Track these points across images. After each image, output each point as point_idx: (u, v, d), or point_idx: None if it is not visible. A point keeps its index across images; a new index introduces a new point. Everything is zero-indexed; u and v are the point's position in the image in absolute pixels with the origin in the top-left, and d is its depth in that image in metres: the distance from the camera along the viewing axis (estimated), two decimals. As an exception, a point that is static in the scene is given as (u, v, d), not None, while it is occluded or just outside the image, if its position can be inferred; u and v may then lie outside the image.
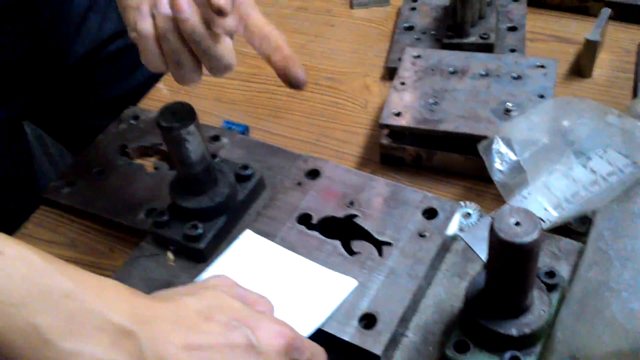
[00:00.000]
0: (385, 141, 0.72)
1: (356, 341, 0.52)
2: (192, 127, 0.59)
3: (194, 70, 0.53)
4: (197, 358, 0.41)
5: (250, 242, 0.60)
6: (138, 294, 0.44)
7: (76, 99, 0.92)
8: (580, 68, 0.79)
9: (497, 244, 0.45)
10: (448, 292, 0.58)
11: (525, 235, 0.44)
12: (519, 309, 0.50)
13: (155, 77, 0.93)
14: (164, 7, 0.48)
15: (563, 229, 0.62)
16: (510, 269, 0.47)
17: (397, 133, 0.72)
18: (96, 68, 0.90)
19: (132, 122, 0.83)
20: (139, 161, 0.80)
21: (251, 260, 0.58)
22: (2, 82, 0.82)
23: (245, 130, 0.80)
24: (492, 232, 0.45)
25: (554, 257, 0.59)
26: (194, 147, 0.60)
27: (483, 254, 0.60)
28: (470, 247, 0.61)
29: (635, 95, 0.76)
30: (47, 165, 1.16)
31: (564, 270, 0.58)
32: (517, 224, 0.45)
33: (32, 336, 0.38)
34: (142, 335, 0.40)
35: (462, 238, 0.62)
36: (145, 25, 0.50)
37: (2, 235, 0.41)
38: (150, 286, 0.62)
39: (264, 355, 0.43)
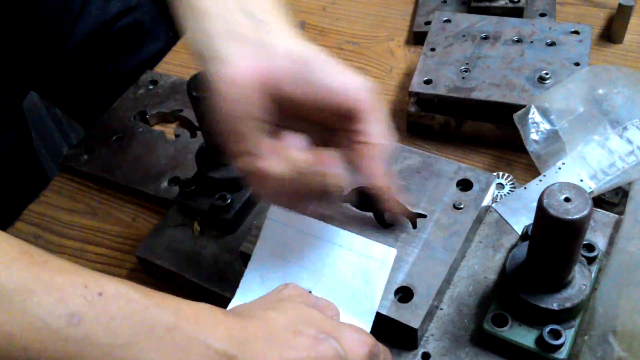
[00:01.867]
0: (412, 109, 0.71)
1: (393, 315, 0.52)
2: (222, 96, 0.57)
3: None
4: None
5: (278, 218, 0.58)
6: (229, 315, 0.44)
7: (83, 76, 0.91)
8: (612, 33, 0.77)
9: (546, 220, 0.44)
10: (482, 264, 0.58)
11: (577, 212, 0.43)
12: (561, 283, 0.50)
13: (163, 50, 0.91)
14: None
15: (596, 200, 0.61)
16: (558, 244, 0.46)
17: (424, 100, 0.70)
18: (101, 47, 0.89)
19: (150, 87, 0.81)
20: (158, 128, 0.78)
21: (286, 237, 0.57)
22: (7, 66, 0.80)
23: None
24: (541, 208, 0.44)
25: (590, 229, 0.58)
26: (224, 116, 0.58)
27: (517, 226, 0.59)
28: (504, 218, 0.60)
29: (668, 62, 0.74)
30: (61, 141, 1.14)
31: (600, 242, 0.57)
32: (567, 199, 0.44)
33: None
34: (242, 357, 0.41)
35: (495, 210, 0.61)
36: (275, 166, 0.45)
37: (98, 275, 0.40)
38: (178, 256, 0.61)
39: None
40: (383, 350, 0.48)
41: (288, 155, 0.45)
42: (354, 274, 0.54)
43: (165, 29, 0.96)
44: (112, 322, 0.37)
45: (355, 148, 0.48)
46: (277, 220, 0.58)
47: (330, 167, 0.46)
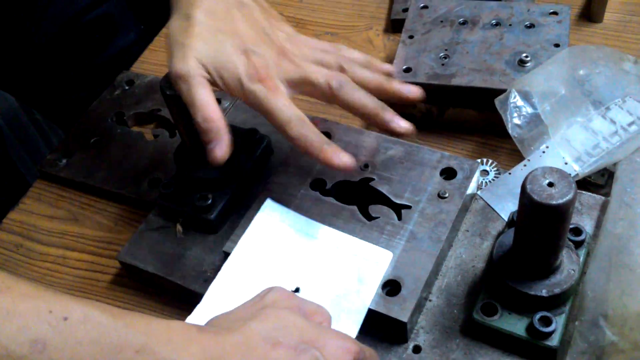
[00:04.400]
0: (393, 98, 0.70)
1: (381, 309, 0.51)
2: (197, 94, 0.56)
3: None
4: None
5: (272, 213, 0.57)
6: (204, 331, 0.43)
7: (54, 72, 0.89)
8: (592, 13, 0.76)
9: (530, 206, 0.43)
10: (469, 253, 0.57)
11: (561, 197, 0.42)
12: (549, 269, 0.49)
13: (134, 43, 0.90)
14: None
15: (581, 182, 0.60)
16: (543, 230, 0.45)
17: (405, 89, 0.69)
18: (71, 40, 0.88)
19: (127, 87, 0.80)
20: (136, 129, 0.77)
21: (277, 234, 0.56)
22: None
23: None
24: (525, 194, 0.43)
25: (576, 213, 0.58)
26: (200, 114, 0.57)
27: (503, 213, 0.59)
28: (489, 205, 0.59)
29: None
30: (44, 147, 1.13)
31: (587, 225, 0.57)
32: (551, 184, 0.43)
33: None
34: None
35: (481, 197, 0.60)
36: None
37: (67, 299, 0.39)
38: (161, 259, 0.60)
39: None
40: (369, 356, 0.47)
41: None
42: (346, 273, 0.53)
43: (135, 22, 0.95)
44: (78, 347, 0.37)
45: None
46: (268, 216, 0.57)
47: None
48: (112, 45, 0.91)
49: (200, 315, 0.51)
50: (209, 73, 0.52)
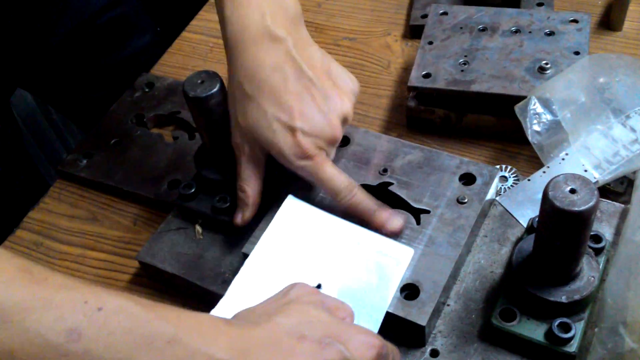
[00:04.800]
0: (412, 104, 0.70)
1: (400, 312, 0.51)
2: (219, 97, 0.57)
3: None
4: None
5: (294, 209, 0.58)
6: (232, 324, 0.43)
7: (71, 70, 0.91)
8: (611, 21, 0.76)
9: (552, 212, 0.43)
10: (488, 258, 0.57)
11: (583, 204, 0.42)
12: (569, 275, 0.49)
13: (150, 45, 0.91)
14: None
15: (601, 190, 0.60)
16: (565, 237, 0.45)
17: (424, 95, 0.70)
18: (87, 40, 0.89)
19: (147, 90, 0.80)
20: (156, 131, 0.78)
21: (299, 229, 0.56)
22: None
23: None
24: (547, 200, 0.43)
25: (596, 220, 0.57)
26: (222, 116, 0.58)
27: (522, 219, 0.59)
28: (508, 212, 0.60)
29: (668, 48, 0.74)
30: (60, 146, 1.15)
31: (607, 232, 0.57)
32: (573, 191, 0.43)
33: None
34: None
35: (499, 203, 0.60)
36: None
37: (100, 290, 0.40)
38: (180, 260, 0.61)
39: None
40: (392, 351, 0.47)
41: None
42: (368, 269, 0.53)
43: (151, 23, 0.96)
44: (111, 337, 0.38)
45: None
46: (290, 212, 0.57)
47: None
48: (128, 46, 0.92)
49: (223, 309, 0.51)
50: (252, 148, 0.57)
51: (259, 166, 0.58)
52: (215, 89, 0.56)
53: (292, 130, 0.54)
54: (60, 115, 1.29)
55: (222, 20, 0.56)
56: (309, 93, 0.55)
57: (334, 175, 0.56)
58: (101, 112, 0.79)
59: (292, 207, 0.58)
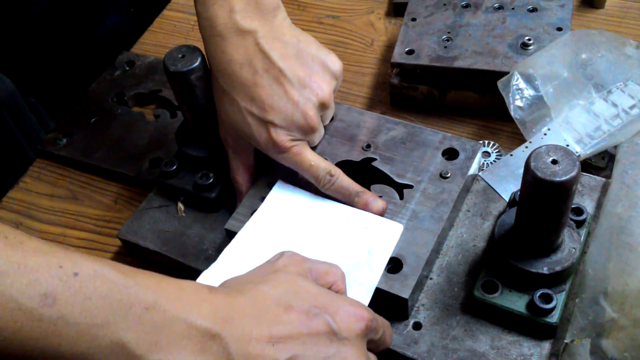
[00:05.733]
0: (395, 81, 0.70)
1: (383, 286, 0.51)
2: (201, 72, 0.56)
3: None
4: (281, 350, 0.40)
5: (283, 193, 0.58)
6: (216, 291, 0.43)
7: (45, 51, 0.90)
8: (593, -2, 0.76)
9: (534, 183, 0.43)
10: (470, 232, 0.57)
11: (565, 174, 0.42)
12: (550, 247, 0.49)
13: (124, 24, 0.90)
14: None
15: (582, 164, 0.61)
16: (546, 207, 0.45)
17: (407, 72, 0.69)
18: (60, 17, 0.88)
19: (127, 68, 0.79)
20: (137, 109, 0.77)
21: (289, 212, 0.56)
22: None
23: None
24: (529, 171, 0.43)
25: (577, 194, 0.58)
26: (203, 92, 0.57)
27: (504, 193, 0.59)
28: (490, 186, 0.60)
29: (649, 25, 0.74)
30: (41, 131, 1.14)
31: (588, 206, 0.57)
32: (555, 162, 0.43)
33: (120, 354, 0.37)
34: (227, 335, 0.40)
35: (482, 178, 0.60)
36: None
37: (77, 255, 0.39)
38: (162, 237, 0.60)
39: (345, 341, 0.43)
40: (383, 325, 0.47)
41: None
42: (358, 246, 0.53)
43: (126, 3, 0.96)
44: (87, 302, 0.37)
45: None
46: (280, 194, 0.57)
47: None
48: (103, 24, 0.92)
49: (210, 277, 0.51)
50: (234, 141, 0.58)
51: (246, 156, 0.59)
52: (196, 63, 0.55)
53: (265, 124, 0.54)
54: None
55: (197, 16, 0.55)
56: (280, 85, 0.54)
57: (313, 164, 0.56)
58: (77, 96, 0.78)
59: (281, 190, 0.57)
